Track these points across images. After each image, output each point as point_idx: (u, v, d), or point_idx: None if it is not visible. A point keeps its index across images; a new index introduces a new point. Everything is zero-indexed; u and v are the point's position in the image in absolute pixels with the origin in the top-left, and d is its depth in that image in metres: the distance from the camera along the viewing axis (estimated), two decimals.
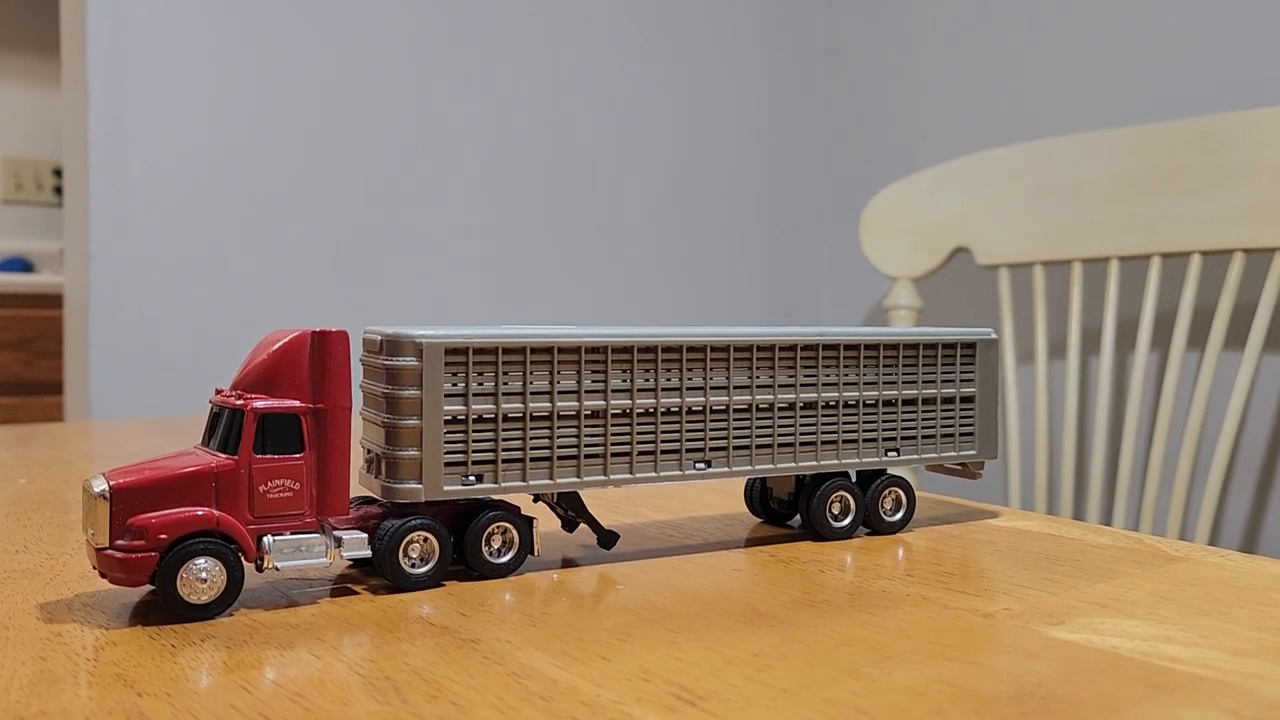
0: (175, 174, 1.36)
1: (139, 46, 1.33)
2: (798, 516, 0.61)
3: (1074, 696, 0.34)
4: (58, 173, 2.82)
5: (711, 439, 0.53)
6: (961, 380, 0.60)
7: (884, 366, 0.58)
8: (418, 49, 1.52)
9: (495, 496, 0.50)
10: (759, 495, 0.61)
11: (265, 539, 0.44)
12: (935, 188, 1.45)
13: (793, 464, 0.55)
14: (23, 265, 2.67)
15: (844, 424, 0.57)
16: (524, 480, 0.50)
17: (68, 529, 0.60)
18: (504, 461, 0.49)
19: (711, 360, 0.53)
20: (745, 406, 0.54)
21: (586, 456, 0.51)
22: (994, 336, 0.61)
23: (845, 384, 0.56)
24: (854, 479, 0.58)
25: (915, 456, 0.59)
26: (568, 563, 0.53)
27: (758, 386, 0.54)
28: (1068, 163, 1.32)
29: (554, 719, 0.33)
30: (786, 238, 1.87)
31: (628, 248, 1.71)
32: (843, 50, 1.86)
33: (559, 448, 0.50)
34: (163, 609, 0.43)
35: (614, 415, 0.51)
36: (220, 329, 1.39)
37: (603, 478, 0.51)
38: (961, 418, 0.60)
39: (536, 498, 0.55)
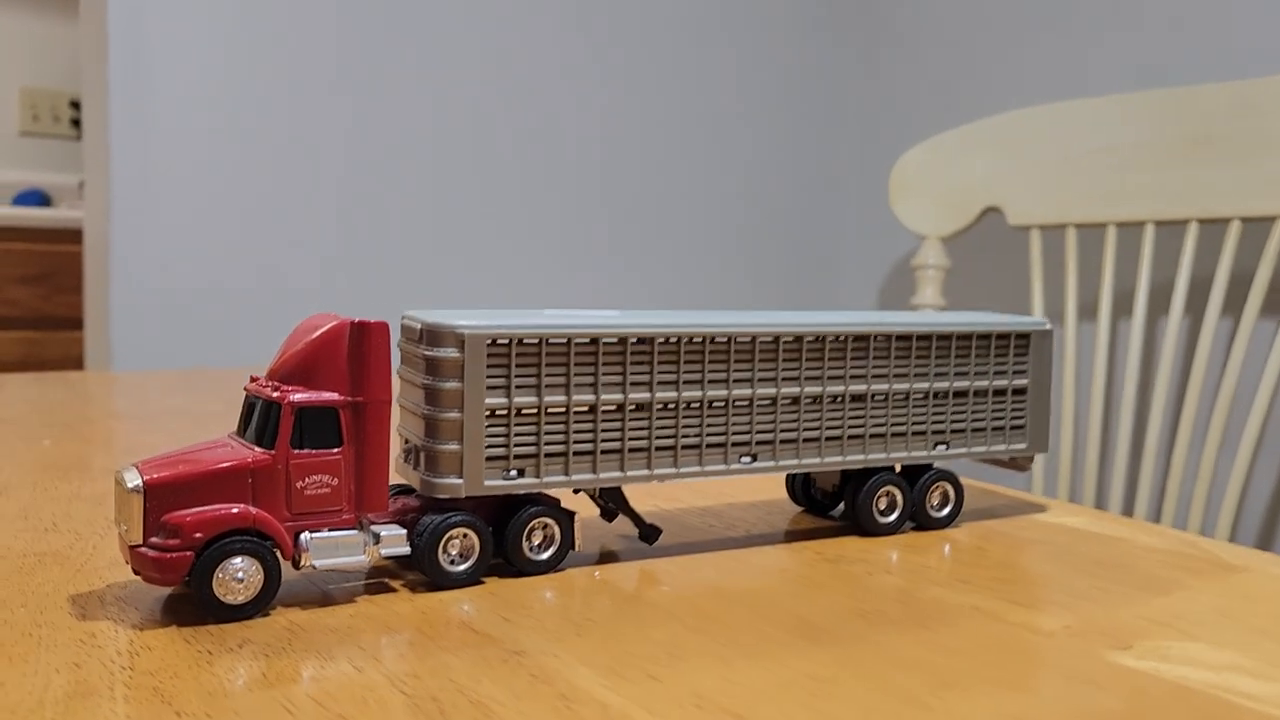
0: (199, 105, 1.33)
1: None
2: (840, 506, 0.59)
3: None
4: (75, 104, 2.79)
5: (758, 432, 0.52)
6: (1014, 371, 0.58)
7: (936, 358, 0.56)
8: (464, 8, 1.49)
9: (536, 491, 0.48)
10: (801, 485, 0.60)
11: (302, 536, 0.43)
12: (967, 147, 1.42)
13: (840, 458, 0.54)
14: (39, 198, 2.65)
15: (893, 417, 0.55)
16: (566, 475, 0.48)
17: (96, 503, 0.59)
18: (546, 455, 0.48)
19: (760, 352, 0.51)
20: (793, 398, 0.52)
21: (630, 450, 0.49)
22: (1048, 327, 0.59)
23: (895, 375, 0.55)
24: (899, 471, 0.56)
25: (964, 450, 0.57)
26: (607, 556, 0.51)
27: (805, 378, 0.53)
28: (1104, 124, 1.29)
29: None
30: (813, 196, 1.84)
31: (652, 202, 1.68)
32: (873, 6, 1.81)
33: (602, 441, 0.49)
34: (197, 607, 0.42)
35: (659, 408, 0.50)
36: (244, 266, 1.37)
37: (646, 472, 0.50)
38: (1013, 410, 0.58)
39: (576, 489, 0.53)
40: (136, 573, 0.42)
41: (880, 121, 1.82)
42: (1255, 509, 1.37)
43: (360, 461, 0.44)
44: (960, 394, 0.57)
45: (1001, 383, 0.58)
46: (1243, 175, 1.18)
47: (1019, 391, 0.58)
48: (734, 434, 0.51)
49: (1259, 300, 1.16)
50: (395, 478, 0.55)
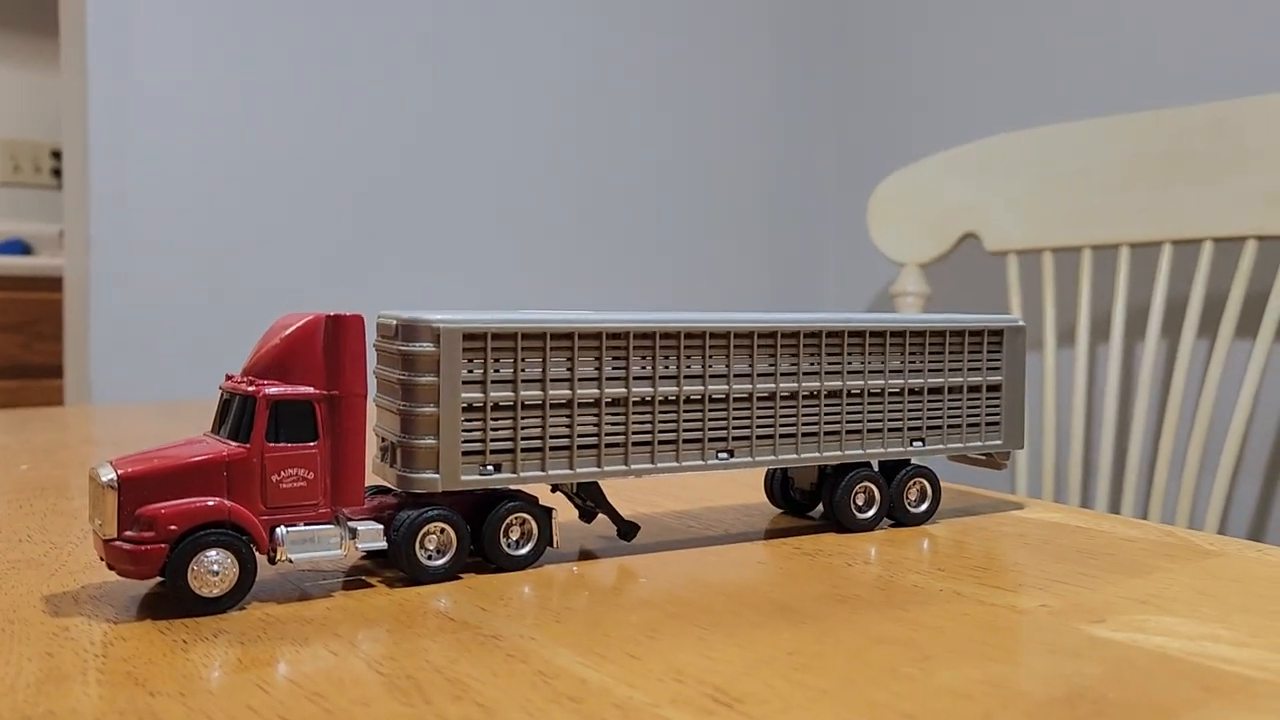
0: (177, 155, 1.34)
1: (140, 26, 1.30)
2: (819, 507, 0.59)
3: (1127, 700, 0.33)
4: (56, 155, 2.79)
5: (735, 428, 0.52)
6: (988, 368, 0.58)
7: (910, 354, 0.56)
8: (427, 32, 1.50)
9: (513, 487, 0.48)
10: (780, 485, 0.60)
11: (278, 530, 0.43)
12: (944, 173, 1.44)
13: (817, 454, 0.54)
14: (21, 248, 2.65)
15: (869, 413, 0.55)
16: (543, 470, 0.48)
17: (72, 517, 0.59)
18: (523, 451, 0.48)
19: (735, 347, 0.52)
20: (769, 395, 0.53)
21: (607, 446, 0.49)
22: (1022, 324, 0.59)
23: (871, 372, 0.55)
24: (877, 469, 0.56)
25: (941, 446, 0.57)
26: (586, 554, 0.51)
27: (782, 374, 0.53)
28: (1078, 148, 1.31)
29: None
30: (792, 223, 1.85)
31: (631, 232, 1.69)
32: (850, 32, 1.84)
33: (579, 436, 0.49)
34: (172, 602, 0.41)
35: (635, 403, 0.50)
36: (222, 312, 1.37)
37: (624, 467, 0.50)
38: (988, 407, 0.59)
39: (554, 487, 0.53)
40: (111, 567, 0.41)
41: (857, 150, 1.84)
42: (1237, 531, 1.37)
43: (336, 456, 0.44)
44: (935, 391, 0.57)
45: (976, 379, 0.58)
46: (1213, 195, 1.19)
47: (993, 388, 0.59)
48: (711, 430, 0.52)
49: (1234, 319, 1.17)
50: (372, 479, 0.55)
